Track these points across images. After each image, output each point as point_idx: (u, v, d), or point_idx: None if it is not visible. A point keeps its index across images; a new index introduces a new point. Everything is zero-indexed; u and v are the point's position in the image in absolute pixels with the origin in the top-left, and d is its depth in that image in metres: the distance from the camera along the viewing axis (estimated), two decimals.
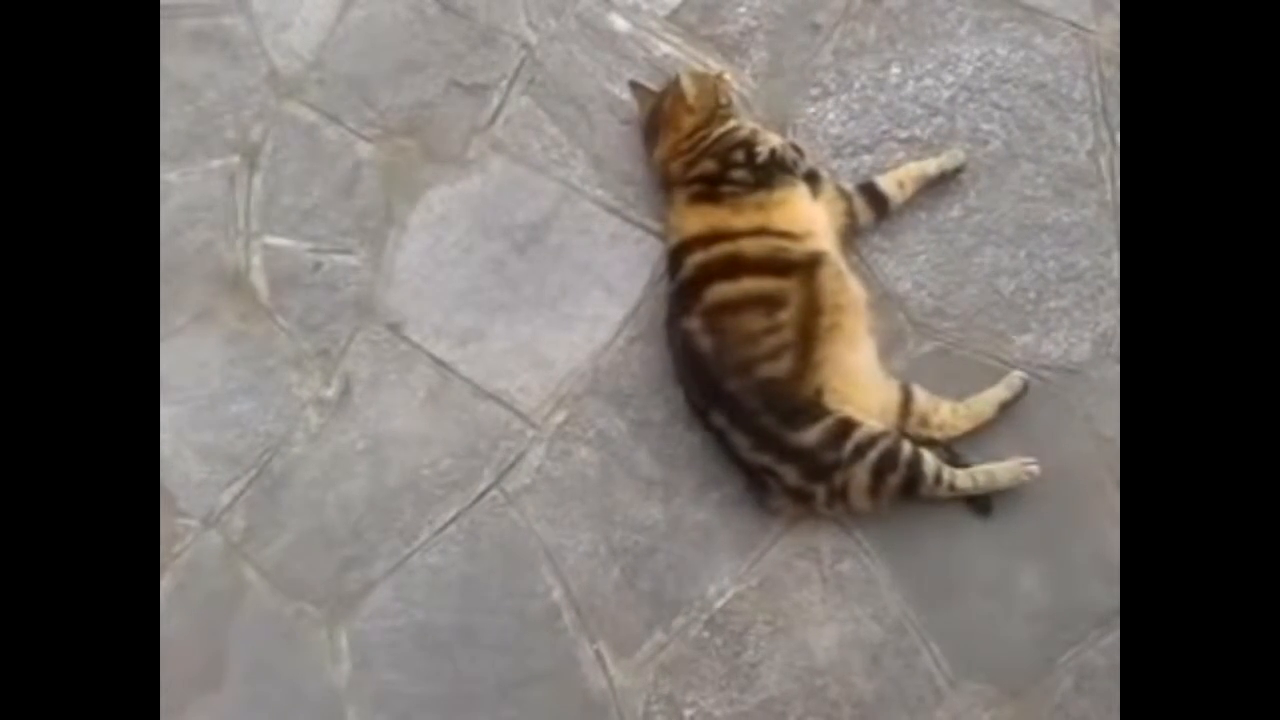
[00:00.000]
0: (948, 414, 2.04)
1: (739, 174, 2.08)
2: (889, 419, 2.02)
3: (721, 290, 2.04)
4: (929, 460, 1.98)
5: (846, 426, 1.98)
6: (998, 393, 2.05)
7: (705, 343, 2.03)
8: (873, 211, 2.12)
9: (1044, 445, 2.03)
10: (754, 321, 2.03)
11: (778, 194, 2.07)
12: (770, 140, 2.10)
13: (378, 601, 2.14)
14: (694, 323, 2.05)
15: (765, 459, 2.01)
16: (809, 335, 2.01)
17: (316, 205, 2.25)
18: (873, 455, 1.96)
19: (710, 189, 2.09)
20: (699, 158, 2.11)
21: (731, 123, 2.12)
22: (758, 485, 2.05)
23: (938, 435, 2.04)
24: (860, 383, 2.03)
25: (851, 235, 2.12)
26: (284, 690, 2.13)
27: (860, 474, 1.97)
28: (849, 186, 2.12)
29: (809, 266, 2.03)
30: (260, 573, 2.16)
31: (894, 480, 1.97)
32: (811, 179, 2.11)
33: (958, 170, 2.13)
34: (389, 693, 2.11)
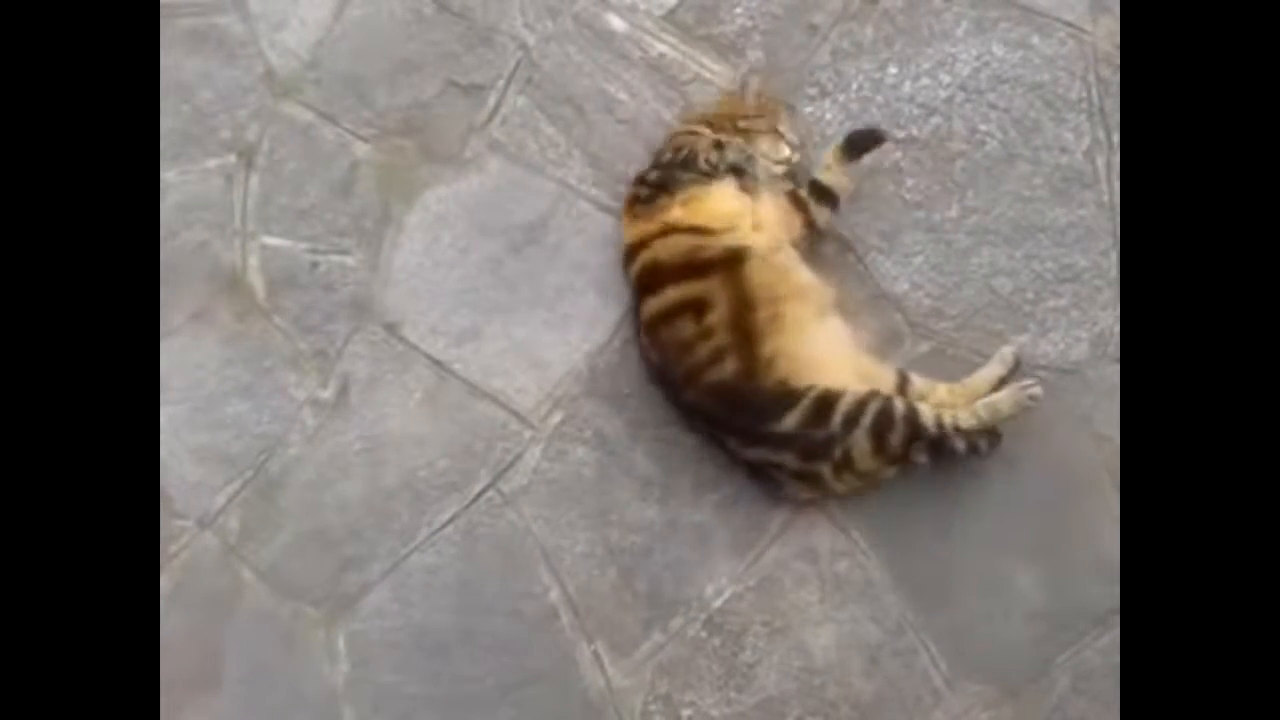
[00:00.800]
0: (945, 393, 2.02)
1: (652, 175, 2.09)
2: None
3: (651, 304, 2.03)
4: (925, 410, 1.96)
5: (826, 401, 1.95)
6: (993, 369, 2.04)
7: (654, 358, 2.04)
8: (827, 207, 2.08)
9: (1041, 445, 2.03)
10: (685, 329, 2.00)
11: (681, 194, 2.05)
12: (697, 144, 2.08)
13: (375, 602, 2.14)
14: (644, 340, 2.06)
15: (760, 452, 2.01)
16: (746, 333, 1.98)
17: (313, 205, 2.25)
18: (866, 421, 1.94)
19: (635, 190, 2.10)
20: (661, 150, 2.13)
21: (702, 137, 2.10)
22: (766, 479, 2.05)
23: None
24: (826, 365, 1.99)
25: (818, 239, 2.10)
26: (282, 691, 2.13)
27: (860, 441, 1.94)
28: (803, 193, 2.08)
29: (730, 263, 2.00)
30: (257, 574, 2.16)
31: (895, 438, 1.94)
32: (738, 173, 2.07)
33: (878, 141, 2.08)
34: (387, 693, 2.11)
